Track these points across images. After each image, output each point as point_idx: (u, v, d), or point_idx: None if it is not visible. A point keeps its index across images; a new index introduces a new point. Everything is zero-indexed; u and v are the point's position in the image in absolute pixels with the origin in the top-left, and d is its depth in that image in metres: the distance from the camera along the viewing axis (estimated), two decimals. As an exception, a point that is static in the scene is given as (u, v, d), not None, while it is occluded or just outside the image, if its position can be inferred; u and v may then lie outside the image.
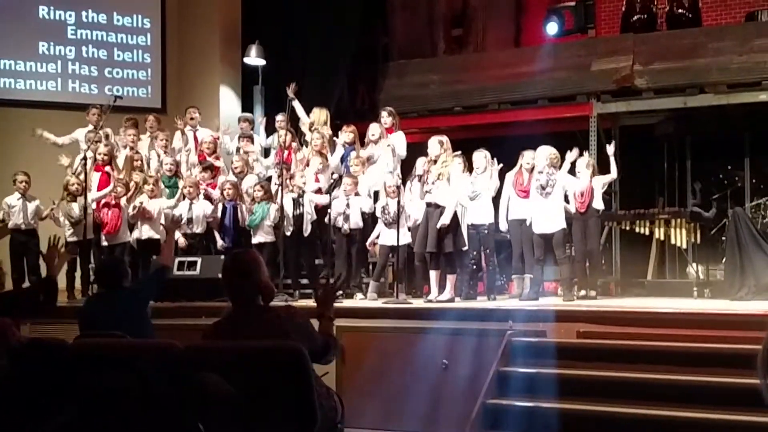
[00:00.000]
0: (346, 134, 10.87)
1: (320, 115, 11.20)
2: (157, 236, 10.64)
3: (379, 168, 10.57)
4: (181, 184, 11.04)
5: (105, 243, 10.77)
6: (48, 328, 7.71)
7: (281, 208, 10.04)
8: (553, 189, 9.58)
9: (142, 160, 11.36)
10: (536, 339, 7.77)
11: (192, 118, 11.85)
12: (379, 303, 9.10)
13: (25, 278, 10.52)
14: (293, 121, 11.24)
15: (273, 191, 10.47)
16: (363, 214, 10.15)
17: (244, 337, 4.12)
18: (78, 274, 10.71)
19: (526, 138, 11.14)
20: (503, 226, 10.14)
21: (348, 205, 10.03)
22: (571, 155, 9.70)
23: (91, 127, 11.67)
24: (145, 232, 10.82)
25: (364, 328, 8.46)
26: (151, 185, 10.93)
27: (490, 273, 10.11)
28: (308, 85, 12.47)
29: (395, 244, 9.61)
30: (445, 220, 9.27)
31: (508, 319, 7.87)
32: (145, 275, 8.27)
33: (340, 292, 8.72)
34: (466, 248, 9.66)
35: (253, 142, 11.68)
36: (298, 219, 10.15)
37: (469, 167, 10.02)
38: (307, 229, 10.14)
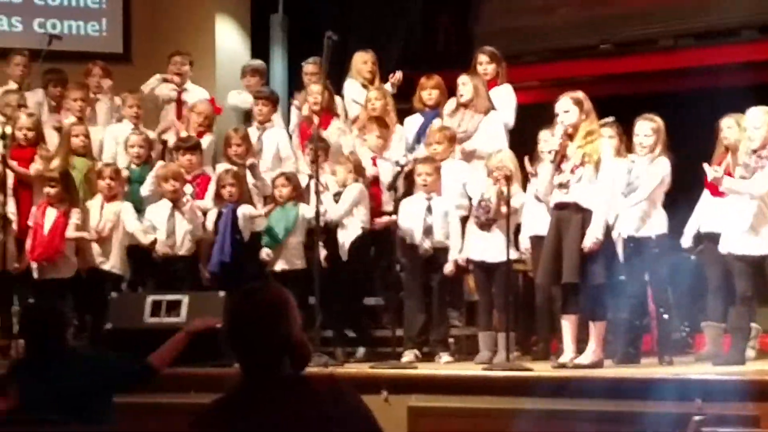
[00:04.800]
0: (427, 92, 9.37)
1: (365, 63, 9.67)
2: (118, 270, 9.17)
3: (477, 146, 9.15)
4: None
5: (36, 275, 9.22)
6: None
7: (317, 215, 8.61)
8: None
9: (88, 137, 9.46)
10: (743, 430, 7.07)
11: (179, 73, 10.13)
12: (477, 369, 8.18)
13: None
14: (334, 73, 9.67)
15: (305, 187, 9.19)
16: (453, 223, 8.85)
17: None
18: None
19: (721, 95, 9.54)
20: (686, 241, 8.81)
21: (429, 209, 8.81)
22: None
23: (12, 85, 10.10)
24: (99, 259, 9.23)
25: (453, 410, 7.66)
26: (108, 180, 9.03)
27: (663, 320, 8.78)
28: (357, 15, 11.58)
29: (494, 260, 8.42)
30: (596, 233, 7.86)
31: (694, 398, 7.05)
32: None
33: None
34: (622, 278, 8.27)
35: (274, 106, 9.88)
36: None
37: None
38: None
